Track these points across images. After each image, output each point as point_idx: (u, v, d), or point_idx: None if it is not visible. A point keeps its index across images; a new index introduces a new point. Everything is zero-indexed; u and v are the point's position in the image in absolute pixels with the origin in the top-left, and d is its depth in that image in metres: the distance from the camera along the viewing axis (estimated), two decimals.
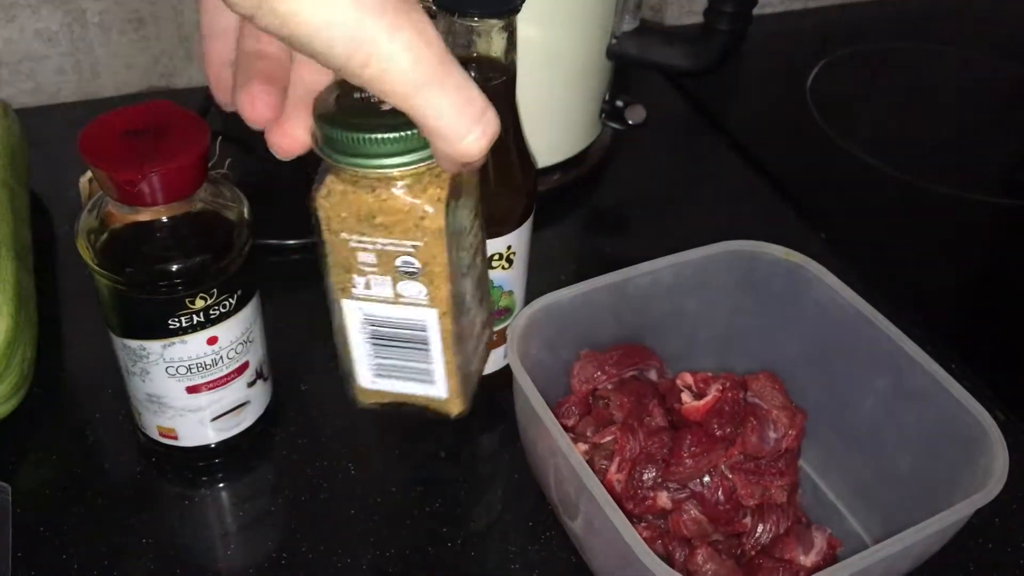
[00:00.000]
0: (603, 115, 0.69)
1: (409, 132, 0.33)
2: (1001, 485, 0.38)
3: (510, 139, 0.45)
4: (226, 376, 0.45)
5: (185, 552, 0.46)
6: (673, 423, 0.47)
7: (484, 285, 0.41)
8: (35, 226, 0.60)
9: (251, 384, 0.47)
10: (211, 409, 0.46)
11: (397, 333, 0.39)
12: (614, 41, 0.65)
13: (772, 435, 0.44)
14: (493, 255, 0.47)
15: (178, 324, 0.42)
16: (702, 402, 0.45)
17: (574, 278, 0.62)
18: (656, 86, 0.82)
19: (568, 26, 0.62)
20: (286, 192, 0.69)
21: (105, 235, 0.41)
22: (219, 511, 0.48)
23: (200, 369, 0.44)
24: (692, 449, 0.44)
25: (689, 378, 0.47)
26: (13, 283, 0.49)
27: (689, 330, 0.52)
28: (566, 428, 0.48)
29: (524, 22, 0.42)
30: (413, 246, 0.36)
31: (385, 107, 0.34)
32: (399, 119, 0.33)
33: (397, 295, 0.37)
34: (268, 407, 0.50)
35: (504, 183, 0.45)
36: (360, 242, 0.36)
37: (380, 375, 0.40)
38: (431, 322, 0.38)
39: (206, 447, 0.48)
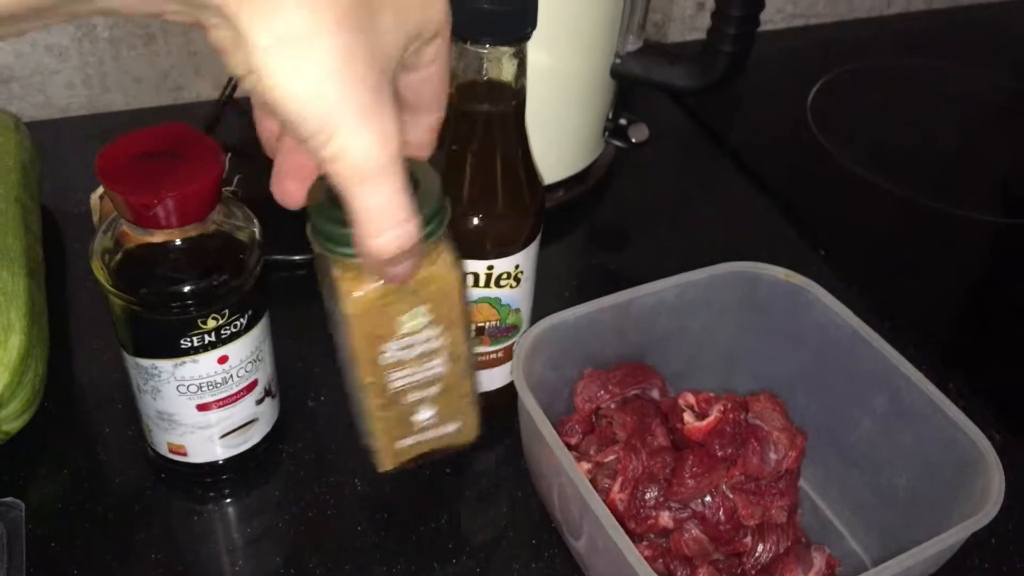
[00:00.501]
0: (606, 133, 0.70)
1: (423, 217, 0.36)
2: (997, 508, 0.39)
3: (519, 161, 0.46)
4: (236, 394, 0.46)
5: (193, 567, 0.46)
6: (675, 443, 0.47)
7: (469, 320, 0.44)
8: (45, 241, 0.60)
9: (260, 402, 0.48)
10: (220, 426, 0.47)
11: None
12: (618, 60, 0.66)
13: (773, 456, 0.45)
14: (501, 274, 0.47)
15: (190, 344, 0.43)
16: (704, 423, 0.46)
17: (577, 294, 0.63)
18: (659, 104, 0.83)
19: (573, 46, 0.63)
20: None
21: (119, 255, 0.42)
22: (227, 526, 0.49)
23: (210, 388, 0.45)
24: (694, 469, 0.44)
25: (691, 398, 0.48)
26: (26, 300, 0.50)
27: (692, 350, 0.52)
28: (569, 446, 0.49)
29: (529, 42, 0.43)
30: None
31: None
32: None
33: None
34: (276, 424, 0.51)
35: (513, 204, 0.46)
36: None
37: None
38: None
39: (215, 463, 0.49)
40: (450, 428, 0.44)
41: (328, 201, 0.37)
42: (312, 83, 0.28)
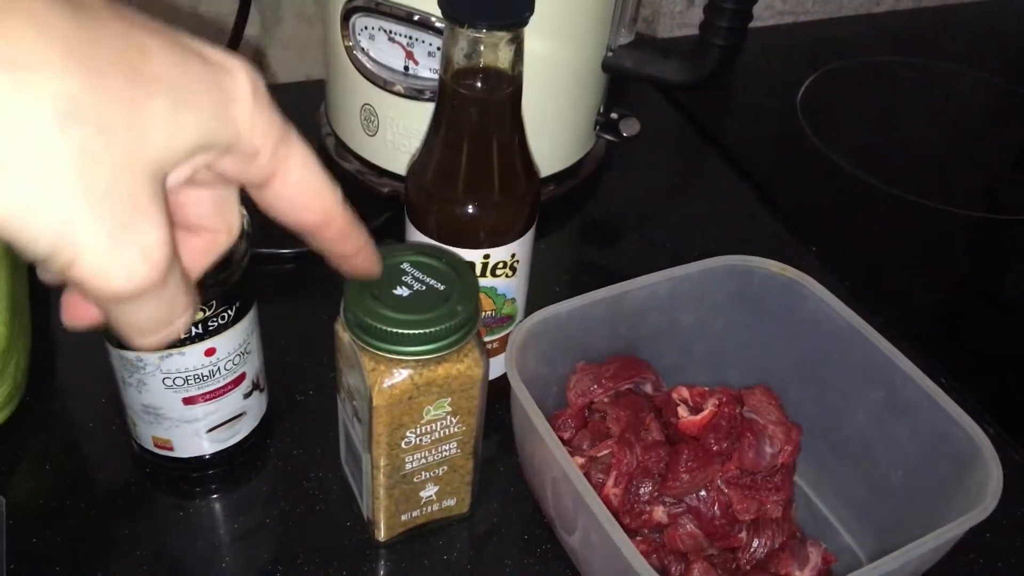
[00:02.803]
0: (597, 127, 0.70)
1: (462, 318, 0.39)
2: (995, 503, 0.39)
3: (515, 148, 0.45)
4: (223, 387, 0.45)
5: (179, 564, 0.45)
6: (669, 437, 0.47)
7: None
8: None
9: (247, 395, 0.47)
10: (207, 420, 0.46)
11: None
12: (609, 54, 0.66)
13: (768, 450, 0.45)
14: (498, 263, 0.47)
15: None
16: (699, 417, 0.45)
17: (568, 289, 0.62)
18: (650, 99, 0.82)
19: (564, 38, 0.62)
20: None
21: None
22: (213, 522, 0.48)
23: (197, 380, 0.44)
24: (688, 464, 0.44)
25: (685, 392, 0.47)
26: (8, 291, 0.49)
27: (684, 344, 0.52)
28: (562, 441, 0.48)
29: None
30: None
31: (416, 290, 0.40)
32: (447, 306, 0.39)
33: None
34: (263, 418, 0.50)
35: (509, 192, 0.45)
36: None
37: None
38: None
39: (201, 458, 0.48)
40: (448, 503, 0.47)
41: (368, 294, 0.39)
42: (31, 198, 0.21)
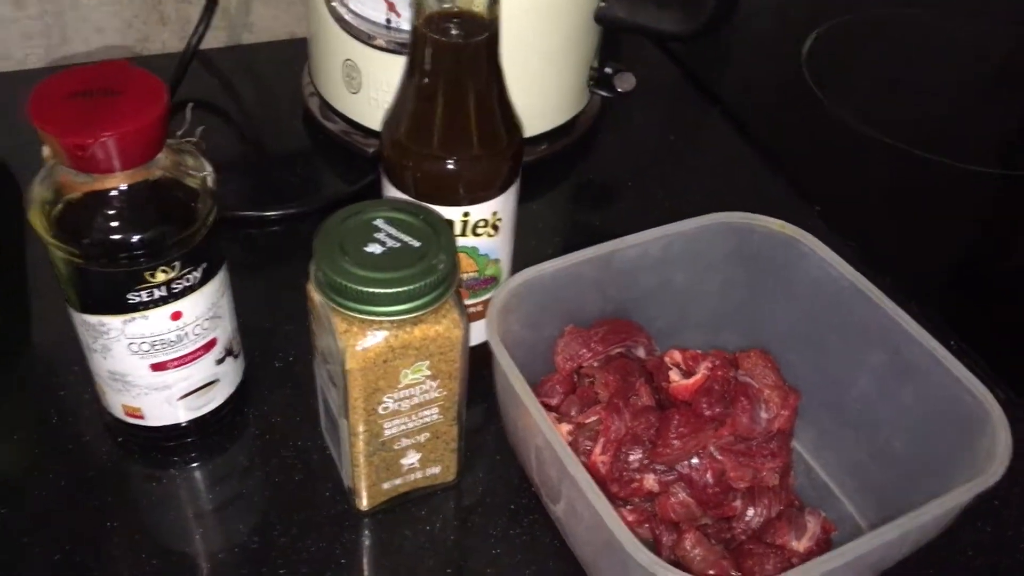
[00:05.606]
0: (591, 82, 0.67)
1: (439, 276, 0.37)
2: (1003, 469, 0.37)
3: (494, 99, 0.43)
4: (193, 353, 0.43)
5: (152, 536, 0.44)
6: (660, 402, 0.45)
7: None
8: (1, 197, 0.57)
9: (220, 361, 0.45)
10: (179, 387, 0.44)
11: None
12: (602, 4, 0.63)
13: (764, 415, 0.43)
14: (478, 221, 0.45)
15: (139, 298, 0.40)
16: (691, 380, 0.43)
17: (561, 251, 0.60)
18: (647, 53, 0.79)
19: None
20: (264, 162, 0.67)
21: (60, 205, 0.39)
22: (188, 493, 0.46)
23: (164, 346, 0.42)
24: (680, 430, 0.42)
25: (678, 355, 0.45)
26: None
27: (678, 305, 0.50)
28: (549, 407, 0.46)
29: None
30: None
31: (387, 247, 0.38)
32: (422, 264, 0.37)
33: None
34: (240, 385, 0.48)
35: (488, 145, 0.43)
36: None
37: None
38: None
39: (175, 426, 0.46)
40: (432, 471, 0.45)
41: (338, 251, 0.37)
42: None
